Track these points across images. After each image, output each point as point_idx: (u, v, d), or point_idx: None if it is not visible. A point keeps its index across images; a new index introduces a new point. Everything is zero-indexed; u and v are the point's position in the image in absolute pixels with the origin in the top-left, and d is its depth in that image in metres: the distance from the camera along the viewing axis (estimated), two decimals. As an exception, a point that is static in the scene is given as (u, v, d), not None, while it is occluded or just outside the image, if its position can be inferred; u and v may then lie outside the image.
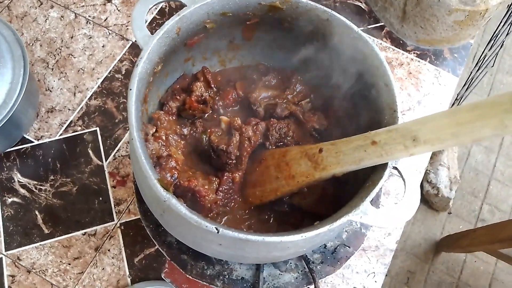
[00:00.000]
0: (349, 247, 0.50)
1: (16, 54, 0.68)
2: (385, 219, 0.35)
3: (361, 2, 0.93)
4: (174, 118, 0.47)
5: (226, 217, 0.47)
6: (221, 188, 0.46)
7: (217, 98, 0.49)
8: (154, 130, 0.43)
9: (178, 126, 0.47)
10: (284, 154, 0.44)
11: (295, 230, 0.44)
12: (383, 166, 0.36)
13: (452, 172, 1.16)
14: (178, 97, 0.48)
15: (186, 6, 0.39)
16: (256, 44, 0.50)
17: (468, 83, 1.02)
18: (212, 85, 0.48)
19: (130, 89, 0.35)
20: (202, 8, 0.39)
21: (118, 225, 0.73)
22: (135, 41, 0.84)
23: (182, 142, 0.46)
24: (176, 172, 0.44)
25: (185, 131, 0.48)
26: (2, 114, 0.65)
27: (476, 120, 0.28)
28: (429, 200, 1.14)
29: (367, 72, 0.40)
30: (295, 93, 0.49)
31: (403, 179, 0.36)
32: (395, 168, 0.36)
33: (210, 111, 0.49)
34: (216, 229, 0.33)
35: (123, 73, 0.82)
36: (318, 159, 0.40)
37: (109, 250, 0.71)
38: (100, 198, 0.74)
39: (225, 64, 0.52)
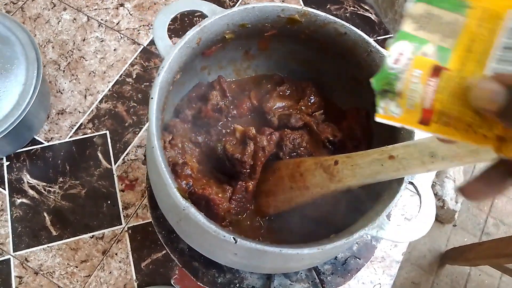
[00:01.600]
0: (359, 258, 0.50)
1: (30, 56, 0.69)
2: (400, 234, 0.35)
3: (371, 14, 0.94)
4: (189, 126, 0.48)
5: (238, 226, 0.47)
6: (234, 197, 0.46)
7: (231, 107, 0.49)
8: (170, 137, 0.44)
9: (193, 134, 0.47)
10: (298, 164, 0.45)
11: (309, 240, 0.45)
12: (399, 181, 0.37)
13: (458, 184, 1.16)
14: (194, 105, 0.48)
15: (208, 16, 0.39)
16: (271, 55, 0.50)
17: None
18: (228, 94, 0.48)
19: (152, 98, 0.35)
20: (223, 19, 0.39)
21: (126, 229, 0.73)
22: (147, 45, 0.85)
23: (197, 150, 0.47)
24: (191, 180, 0.44)
25: (200, 139, 0.48)
26: (15, 116, 0.65)
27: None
28: (436, 213, 1.14)
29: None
30: (309, 104, 0.49)
31: (419, 195, 0.37)
32: (411, 183, 0.37)
33: (225, 120, 0.49)
34: (234, 239, 0.33)
35: (134, 77, 0.82)
36: (333, 171, 0.40)
37: (116, 254, 0.72)
38: (109, 202, 0.74)
39: (240, 73, 0.53)
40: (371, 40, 0.40)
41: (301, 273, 0.49)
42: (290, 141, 0.48)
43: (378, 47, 0.40)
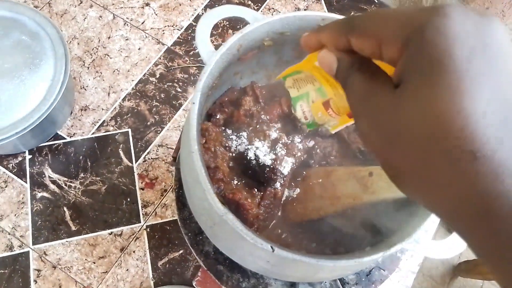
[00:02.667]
0: (384, 270, 0.50)
1: (59, 52, 0.69)
2: (437, 249, 0.35)
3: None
4: (220, 130, 0.48)
5: (265, 232, 0.47)
6: (263, 203, 0.46)
7: (262, 112, 0.49)
8: (204, 141, 0.44)
9: (224, 138, 0.47)
10: (329, 173, 0.45)
11: (336, 251, 0.45)
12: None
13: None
14: (226, 110, 0.48)
15: (249, 23, 0.39)
16: (304, 62, 0.50)
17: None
18: (260, 100, 0.49)
19: (193, 103, 0.35)
20: (264, 27, 0.39)
21: (144, 227, 0.73)
22: (171, 46, 0.85)
23: (228, 154, 0.47)
24: (222, 184, 0.44)
25: (230, 143, 0.48)
26: (41, 110, 0.66)
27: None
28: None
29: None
30: (340, 113, 0.49)
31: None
32: (448, 198, 0.37)
33: (256, 125, 0.49)
34: (272, 248, 0.33)
35: (157, 76, 0.83)
36: (367, 183, 0.40)
37: (134, 252, 0.72)
38: (128, 199, 0.75)
39: (271, 78, 0.53)
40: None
41: (325, 282, 0.49)
42: (321, 150, 0.48)
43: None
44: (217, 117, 0.48)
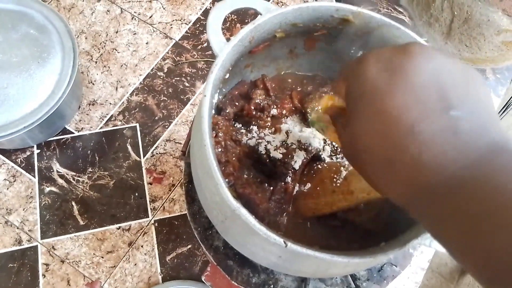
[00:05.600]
0: (396, 266, 0.49)
1: (67, 46, 0.69)
2: (453, 245, 0.34)
3: (404, 16, 0.92)
4: (231, 123, 0.47)
5: (275, 227, 0.47)
6: (273, 197, 0.46)
7: (273, 106, 0.49)
8: (214, 135, 0.43)
9: (234, 132, 0.47)
10: (342, 168, 0.44)
11: (347, 246, 0.44)
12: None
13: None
14: (236, 103, 0.47)
15: (261, 14, 0.38)
16: (315, 54, 0.49)
17: (506, 105, 1.01)
18: (271, 93, 0.48)
19: (205, 96, 0.34)
20: (277, 18, 0.39)
21: (152, 222, 0.73)
22: (179, 40, 0.85)
23: (238, 148, 0.46)
24: (232, 179, 0.43)
25: (240, 137, 0.47)
26: (50, 105, 0.66)
27: None
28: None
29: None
30: (353, 107, 0.48)
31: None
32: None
33: (266, 119, 0.48)
34: (285, 243, 0.33)
35: (165, 71, 0.82)
36: (381, 177, 0.39)
37: (142, 246, 0.72)
38: (136, 194, 0.74)
39: (282, 72, 0.52)
40: (428, 46, 0.39)
41: (336, 278, 0.48)
42: (333, 143, 0.47)
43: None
44: (227, 110, 0.47)
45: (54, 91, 0.67)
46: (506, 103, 0.95)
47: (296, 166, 0.45)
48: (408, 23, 0.92)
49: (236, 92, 0.48)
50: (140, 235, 0.72)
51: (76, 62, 0.69)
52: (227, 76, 0.40)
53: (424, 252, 0.73)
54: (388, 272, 0.49)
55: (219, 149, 0.43)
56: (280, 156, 0.45)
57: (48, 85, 0.67)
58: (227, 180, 0.43)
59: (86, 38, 0.84)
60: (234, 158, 0.46)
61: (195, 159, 0.39)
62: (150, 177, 0.75)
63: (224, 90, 0.48)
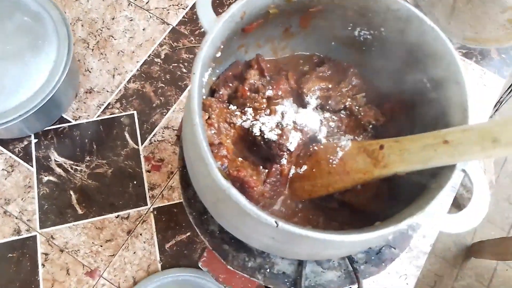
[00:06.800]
0: (394, 248, 0.48)
1: (62, 33, 0.68)
2: (450, 223, 0.33)
3: (407, -3, 0.90)
4: (224, 105, 0.46)
5: (271, 209, 0.46)
6: (268, 180, 0.45)
7: (268, 87, 0.48)
8: (206, 117, 0.42)
9: (228, 114, 0.46)
10: (338, 149, 0.43)
11: (344, 228, 0.43)
12: (451, 168, 0.34)
13: (488, 176, 1.12)
14: (230, 85, 0.46)
15: (252, -11, 0.37)
16: (311, 33, 0.48)
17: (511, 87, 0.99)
18: (266, 74, 0.47)
19: (194, 73, 0.33)
20: (268, -8, 0.37)
21: (151, 209, 0.73)
22: (176, 25, 0.83)
23: (232, 130, 0.45)
24: (226, 161, 0.43)
25: (234, 119, 0.46)
26: (45, 92, 0.65)
27: None
28: (462, 203, 1.11)
29: (436, 69, 0.38)
30: (350, 86, 0.47)
31: (471, 183, 0.34)
32: (463, 171, 0.34)
33: (261, 100, 0.47)
34: (276, 222, 0.32)
35: (162, 57, 0.81)
36: (378, 156, 0.38)
37: (141, 234, 0.71)
38: (135, 182, 0.74)
39: (277, 52, 0.51)
40: (425, 18, 0.38)
41: (333, 261, 0.47)
42: (329, 124, 0.46)
43: (433, 25, 0.38)
44: (221, 92, 0.46)
45: (49, 79, 0.66)
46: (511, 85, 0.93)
47: (292, 148, 0.44)
48: (411, 3, 0.90)
49: (230, 73, 0.47)
50: (139, 223, 0.72)
51: (71, 50, 0.68)
52: (219, 54, 0.39)
53: (427, 236, 0.72)
54: (387, 254, 0.48)
55: (212, 131, 0.42)
56: (275, 137, 0.44)
57: (43, 73, 0.66)
58: (220, 163, 0.42)
59: (82, 25, 0.83)
60: (228, 141, 0.45)
61: (187, 141, 0.38)
62: (148, 165, 0.75)
63: (217, 71, 0.47)
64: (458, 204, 1.08)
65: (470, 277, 1.04)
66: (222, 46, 0.38)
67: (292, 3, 0.40)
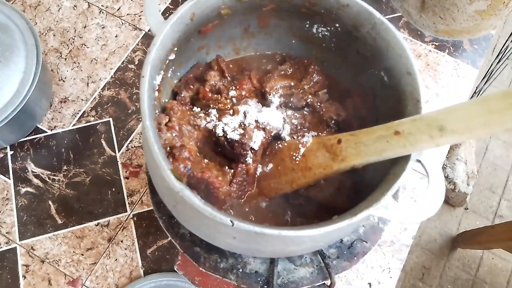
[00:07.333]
0: (366, 242, 0.48)
1: (29, 43, 0.68)
2: (407, 214, 0.33)
3: (378, -9, 0.90)
4: (187, 108, 0.46)
5: (239, 209, 0.46)
6: (235, 180, 0.45)
7: (231, 87, 0.48)
8: (167, 119, 0.42)
9: (192, 117, 0.46)
10: (300, 145, 0.43)
11: (311, 223, 0.43)
12: (406, 158, 0.35)
13: (469, 166, 1.13)
14: (191, 87, 0.46)
15: (201, -9, 0.37)
16: (271, 32, 0.48)
17: (488, 76, 0.99)
18: (226, 74, 0.47)
19: (143, 76, 0.33)
20: (217, -7, 0.38)
21: (131, 216, 0.72)
22: (149, 31, 0.83)
23: (196, 132, 0.45)
24: (189, 163, 0.43)
25: (198, 121, 0.46)
26: (15, 104, 0.65)
27: (509, 108, 0.27)
28: (446, 195, 1.12)
29: (388, 61, 0.39)
30: (312, 83, 0.47)
31: (427, 173, 0.35)
32: (418, 161, 0.35)
33: (224, 101, 0.47)
34: (231, 221, 0.32)
35: (136, 63, 0.81)
36: (336, 150, 0.38)
37: (122, 241, 0.71)
38: (113, 189, 0.74)
39: (240, 52, 0.51)
40: (375, 12, 0.38)
41: (305, 257, 0.47)
42: (293, 122, 0.46)
43: (382, 18, 0.38)
44: (182, 94, 0.46)
45: (19, 90, 0.66)
46: (486, 73, 0.94)
47: (256, 147, 0.44)
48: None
49: (191, 75, 0.47)
50: (119, 230, 0.72)
51: (40, 59, 0.68)
52: (173, 57, 0.39)
53: (408, 229, 0.72)
54: (359, 248, 0.48)
55: (174, 134, 0.42)
56: (238, 137, 0.44)
57: (12, 84, 0.66)
58: (183, 165, 0.42)
59: (54, 35, 0.83)
60: (191, 143, 0.45)
61: (144, 144, 0.38)
62: (126, 171, 0.75)
63: (179, 74, 0.47)
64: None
65: (457, 267, 1.05)
66: (175, 49, 0.38)
67: (244, 3, 0.40)
